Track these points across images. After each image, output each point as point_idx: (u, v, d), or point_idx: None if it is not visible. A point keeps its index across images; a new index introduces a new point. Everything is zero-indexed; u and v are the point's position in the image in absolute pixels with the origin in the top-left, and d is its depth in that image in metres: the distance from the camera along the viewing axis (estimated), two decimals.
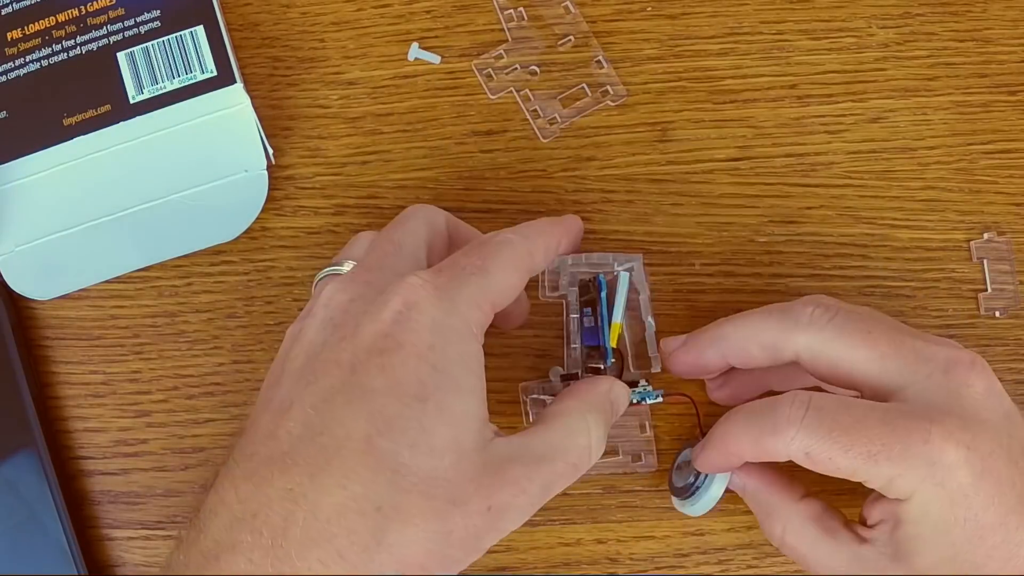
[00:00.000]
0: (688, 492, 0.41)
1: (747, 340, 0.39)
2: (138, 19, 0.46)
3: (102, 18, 0.46)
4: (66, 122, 0.45)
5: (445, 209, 0.40)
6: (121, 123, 0.45)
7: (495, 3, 0.47)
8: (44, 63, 0.46)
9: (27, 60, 0.46)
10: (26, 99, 0.45)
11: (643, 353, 0.42)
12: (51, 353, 0.45)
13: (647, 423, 0.44)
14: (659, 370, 0.41)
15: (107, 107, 0.45)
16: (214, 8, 0.46)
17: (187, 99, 0.45)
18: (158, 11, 0.46)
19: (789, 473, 0.40)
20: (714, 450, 0.39)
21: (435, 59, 0.46)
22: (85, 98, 0.45)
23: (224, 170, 0.45)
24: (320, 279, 0.39)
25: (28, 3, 0.46)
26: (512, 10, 0.46)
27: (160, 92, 0.45)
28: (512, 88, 0.46)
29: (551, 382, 0.43)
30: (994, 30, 0.47)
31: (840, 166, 0.46)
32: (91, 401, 0.44)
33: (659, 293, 0.45)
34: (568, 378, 0.41)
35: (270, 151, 0.45)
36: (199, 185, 0.45)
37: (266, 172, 0.45)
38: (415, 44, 0.46)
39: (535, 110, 0.46)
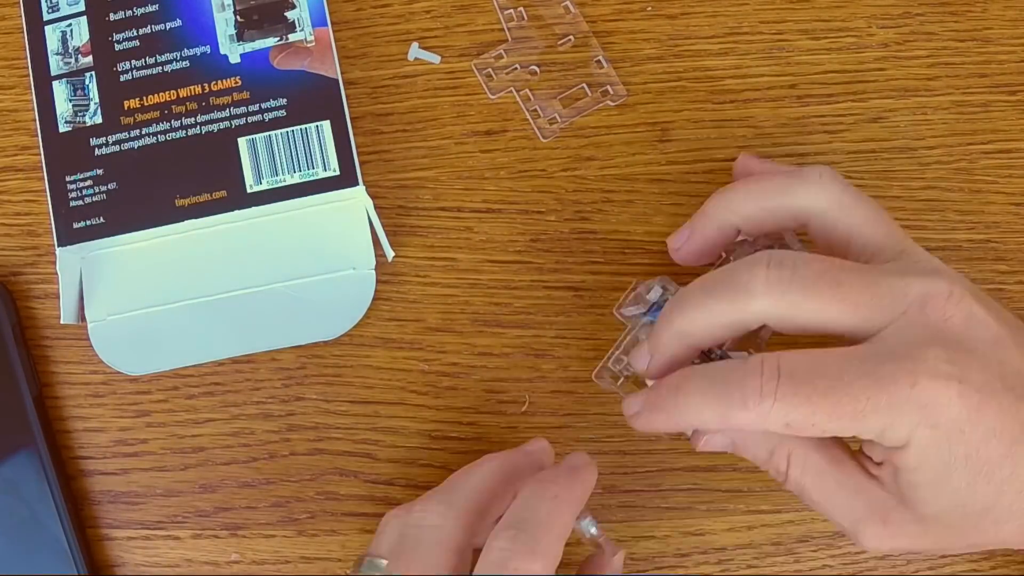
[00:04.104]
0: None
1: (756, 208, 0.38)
2: (263, 104, 0.44)
3: (226, 99, 0.43)
4: (179, 203, 0.43)
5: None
6: (235, 211, 0.43)
7: (495, 3, 0.47)
8: (161, 138, 0.43)
9: (143, 132, 0.44)
10: (139, 173, 0.43)
11: None
12: (51, 353, 0.45)
13: (765, 344, 0.41)
14: None
15: (223, 193, 0.43)
16: (342, 103, 0.44)
17: (306, 195, 0.43)
18: (284, 99, 0.44)
19: None
20: (664, 415, 0.36)
21: (435, 59, 0.46)
22: (201, 180, 0.43)
23: (332, 265, 0.43)
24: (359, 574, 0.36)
25: (148, 72, 0.44)
26: (512, 10, 0.46)
27: (279, 184, 0.43)
28: (512, 88, 0.46)
29: (637, 291, 0.41)
30: (994, 30, 0.47)
31: (840, 166, 0.46)
32: (91, 401, 0.45)
33: None
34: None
35: (388, 250, 0.44)
36: (304, 277, 0.43)
37: (374, 272, 0.43)
38: (415, 44, 0.46)
39: (535, 110, 0.46)
